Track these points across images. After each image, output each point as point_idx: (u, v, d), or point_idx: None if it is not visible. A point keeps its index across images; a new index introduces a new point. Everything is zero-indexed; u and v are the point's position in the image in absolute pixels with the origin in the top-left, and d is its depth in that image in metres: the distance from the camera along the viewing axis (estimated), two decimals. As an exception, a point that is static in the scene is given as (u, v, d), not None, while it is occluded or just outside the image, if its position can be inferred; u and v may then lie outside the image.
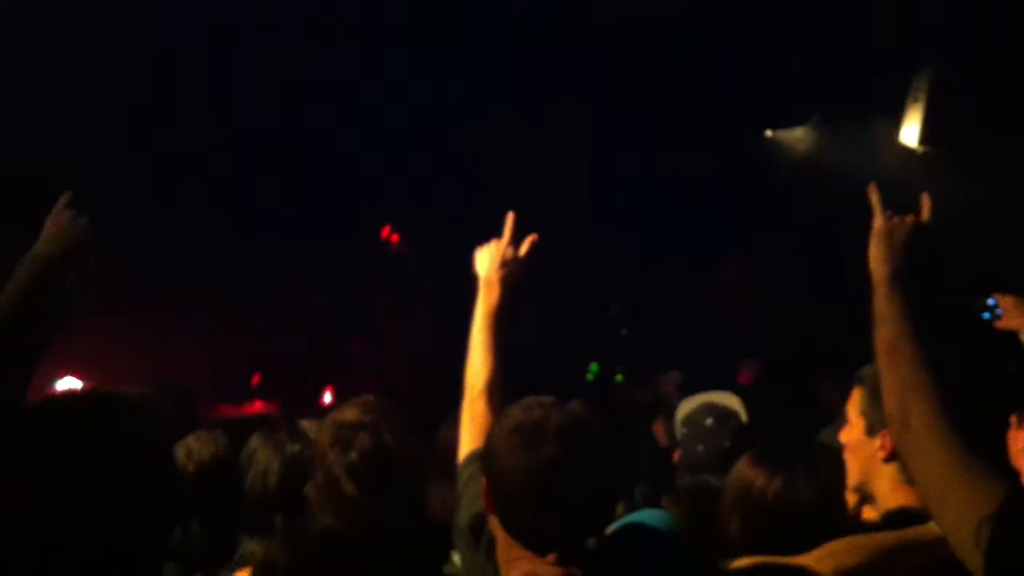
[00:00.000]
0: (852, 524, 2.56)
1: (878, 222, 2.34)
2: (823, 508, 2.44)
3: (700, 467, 3.57)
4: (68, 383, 6.53)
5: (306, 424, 2.80)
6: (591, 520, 2.10)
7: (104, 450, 1.77)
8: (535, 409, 2.10)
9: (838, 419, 3.42)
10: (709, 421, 3.64)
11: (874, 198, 2.38)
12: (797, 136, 9.75)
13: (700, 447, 3.61)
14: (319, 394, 8.01)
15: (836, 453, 2.65)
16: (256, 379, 8.30)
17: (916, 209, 2.37)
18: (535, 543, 2.03)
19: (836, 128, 9.22)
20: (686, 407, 3.79)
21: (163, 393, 3.55)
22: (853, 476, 2.60)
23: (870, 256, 2.30)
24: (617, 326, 10.11)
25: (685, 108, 8.69)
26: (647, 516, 2.36)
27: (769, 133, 9.87)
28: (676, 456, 3.81)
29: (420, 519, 2.44)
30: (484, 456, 2.15)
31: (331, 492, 2.37)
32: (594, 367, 9.91)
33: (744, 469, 2.57)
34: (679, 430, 3.77)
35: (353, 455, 2.37)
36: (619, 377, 9.74)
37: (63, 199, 2.35)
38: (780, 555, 2.31)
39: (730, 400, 3.77)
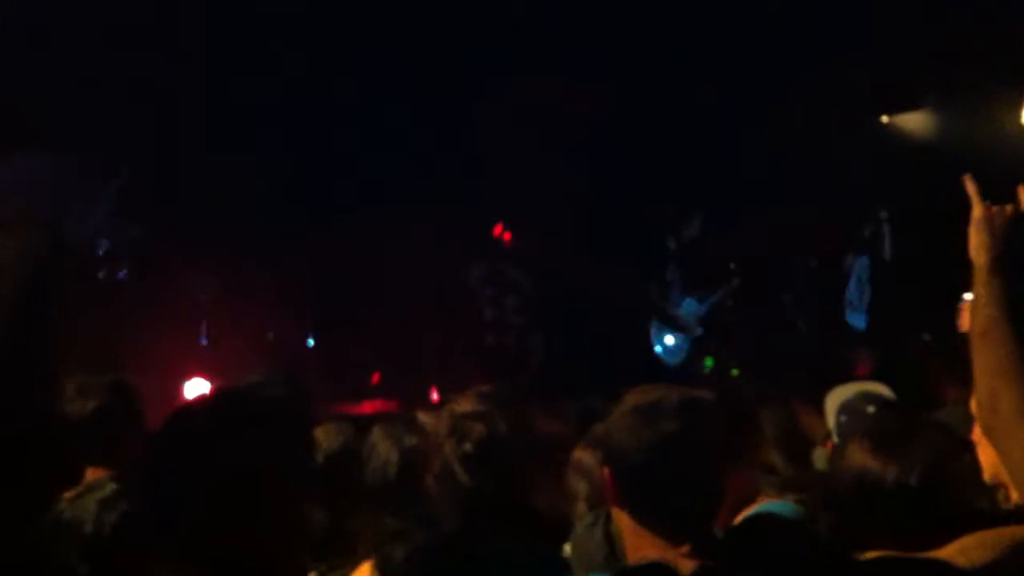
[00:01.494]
0: (983, 516, 2.50)
1: (977, 210, 2.38)
2: (938, 488, 2.38)
3: None
4: (196, 384, 6.80)
5: (424, 417, 2.86)
6: (717, 499, 2.09)
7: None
8: (650, 392, 2.11)
9: (950, 406, 3.36)
10: (871, 409, 3.56)
11: (971, 188, 2.42)
12: (915, 120, 9.49)
13: None
14: (431, 392, 8.13)
15: (948, 431, 2.60)
16: (376, 378, 8.47)
17: (1015, 198, 2.40)
18: (664, 527, 2.02)
19: (955, 111, 8.95)
20: (839, 396, 3.72)
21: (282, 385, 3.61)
22: (987, 470, 2.56)
23: (971, 244, 2.36)
24: (730, 320, 10.00)
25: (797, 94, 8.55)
26: (775, 507, 2.34)
27: (885, 119, 9.63)
28: (829, 445, 3.73)
29: (531, 504, 2.44)
30: (602, 443, 2.15)
31: (448, 483, 2.41)
32: (709, 362, 9.82)
33: (858, 456, 2.52)
34: (834, 419, 3.69)
35: (468, 446, 2.41)
36: (735, 371, 9.63)
37: None
38: (900, 542, 2.27)
39: (881, 388, 3.71)
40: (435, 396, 7.80)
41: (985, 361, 2.14)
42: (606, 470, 2.11)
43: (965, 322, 3.49)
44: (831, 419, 3.72)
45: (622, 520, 2.10)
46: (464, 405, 2.50)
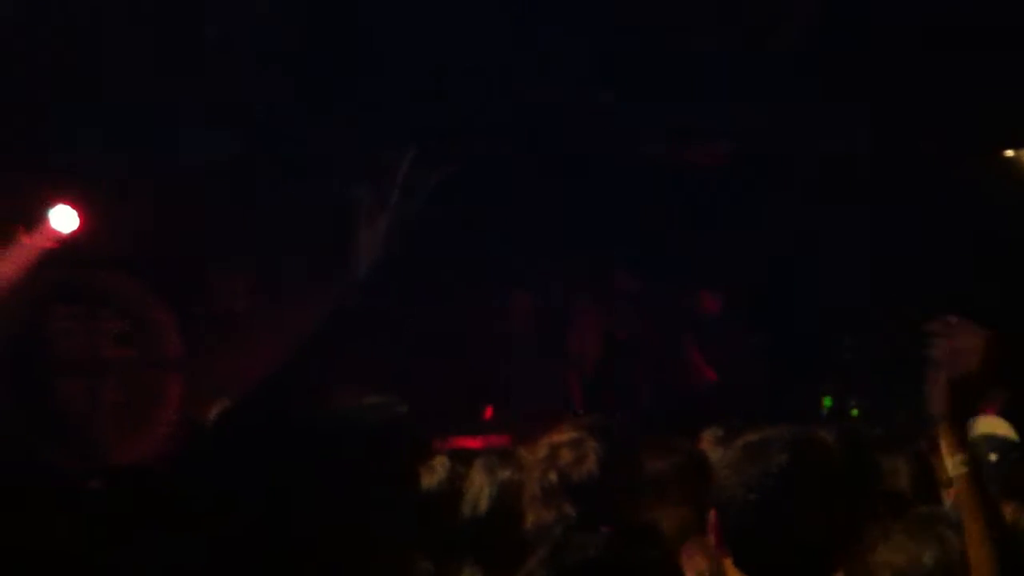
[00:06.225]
0: None
1: None
2: None
3: None
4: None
5: (524, 449, 2.82)
6: (828, 546, 1.96)
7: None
8: (762, 430, 2.04)
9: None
10: (993, 457, 3.42)
11: None
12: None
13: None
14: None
15: None
16: (488, 412, 8.49)
17: None
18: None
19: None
20: None
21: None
22: None
23: None
24: (851, 359, 9.75)
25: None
26: None
27: (1009, 152, 9.32)
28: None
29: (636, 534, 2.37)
30: (712, 487, 2.08)
31: (539, 509, 2.37)
32: (827, 401, 9.57)
33: None
34: None
35: (553, 475, 2.37)
36: (855, 412, 9.35)
37: None
38: None
39: (1001, 426, 3.56)
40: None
41: None
42: (712, 512, 2.03)
43: None
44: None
45: (729, 571, 2.00)
46: (562, 434, 2.47)
